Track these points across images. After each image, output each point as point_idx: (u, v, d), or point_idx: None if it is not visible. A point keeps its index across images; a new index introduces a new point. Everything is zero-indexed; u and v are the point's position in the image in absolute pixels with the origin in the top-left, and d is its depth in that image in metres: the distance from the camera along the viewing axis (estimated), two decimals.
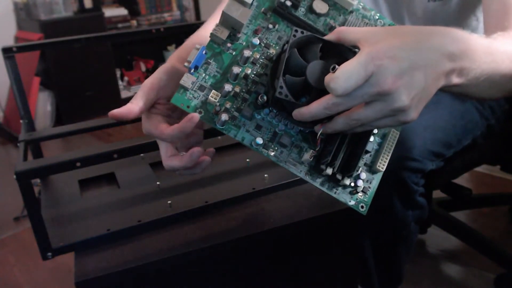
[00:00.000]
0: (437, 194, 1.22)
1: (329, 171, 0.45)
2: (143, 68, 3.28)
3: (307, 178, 0.47)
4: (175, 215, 0.59)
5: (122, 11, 2.93)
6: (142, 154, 0.74)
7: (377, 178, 0.50)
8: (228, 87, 0.44)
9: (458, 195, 1.24)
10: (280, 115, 0.46)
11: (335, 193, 0.48)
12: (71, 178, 0.70)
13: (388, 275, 0.88)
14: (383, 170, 0.49)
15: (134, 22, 3.06)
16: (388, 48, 0.38)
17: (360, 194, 0.49)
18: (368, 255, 0.85)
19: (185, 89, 0.44)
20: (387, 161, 0.49)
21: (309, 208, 0.61)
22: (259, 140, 0.45)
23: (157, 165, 0.73)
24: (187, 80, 0.44)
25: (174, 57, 0.52)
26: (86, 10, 2.66)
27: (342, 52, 0.43)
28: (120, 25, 2.93)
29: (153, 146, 0.53)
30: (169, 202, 0.60)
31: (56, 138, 0.66)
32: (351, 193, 0.48)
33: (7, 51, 0.65)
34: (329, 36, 0.44)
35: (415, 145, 0.74)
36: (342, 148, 0.46)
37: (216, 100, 0.44)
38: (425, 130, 0.77)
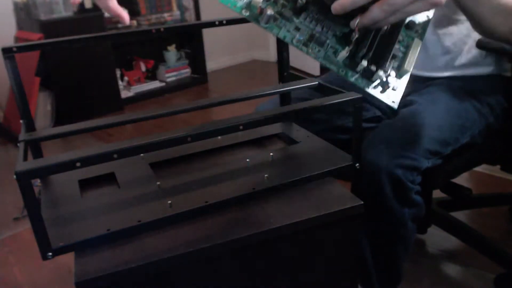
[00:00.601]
0: (437, 194, 1.22)
1: (364, 63, 0.50)
2: (143, 68, 3.28)
3: (343, 74, 0.52)
4: (175, 215, 0.58)
5: None
6: (142, 154, 0.74)
7: (405, 78, 0.55)
8: None
9: (458, 195, 1.24)
10: (316, 19, 0.52)
11: (368, 88, 0.53)
12: (71, 178, 0.70)
13: (387, 274, 0.88)
14: (410, 70, 0.54)
15: (134, 22, 3.06)
16: None
17: (390, 90, 0.54)
18: (367, 255, 0.85)
19: None
20: (413, 63, 0.54)
21: (309, 208, 0.61)
22: (300, 37, 0.51)
23: (157, 165, 0.73)
24: None
25: None
26: (86, 10, 2.66)
27: None
28: (120, 25, 2.93)
29: (153, 146, 0.53)
30: (169, 202, 0.60)
31: (56, 138, 0.66)
32: (383, 88, 0.53)
33: (7, 51, 0.64)
34: None
35: (410, 143, 0.74)
36: (375, 43, 0.51)
37: (260, 1, 0.50)
38: (421, 128, 0.77)
